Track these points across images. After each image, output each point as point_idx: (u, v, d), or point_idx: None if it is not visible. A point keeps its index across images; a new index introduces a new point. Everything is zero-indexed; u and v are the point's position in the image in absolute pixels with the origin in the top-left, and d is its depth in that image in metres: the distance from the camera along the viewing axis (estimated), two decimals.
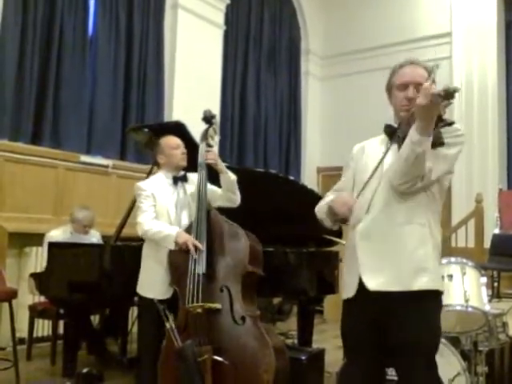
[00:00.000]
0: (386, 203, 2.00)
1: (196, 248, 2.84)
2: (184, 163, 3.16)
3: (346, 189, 2.19)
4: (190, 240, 2.85)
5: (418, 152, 1.85)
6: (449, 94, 1.77)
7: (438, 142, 1.92)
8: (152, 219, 2.99)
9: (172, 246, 2.89)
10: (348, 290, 2.07)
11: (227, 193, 3.10)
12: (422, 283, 1.94)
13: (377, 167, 2.01)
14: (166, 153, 3.14)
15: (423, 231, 1.99)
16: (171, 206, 3.07)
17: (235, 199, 3.13)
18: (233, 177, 3.07)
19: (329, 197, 2.21)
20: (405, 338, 1.93)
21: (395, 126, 2.09)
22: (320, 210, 2.19)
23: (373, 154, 2.11)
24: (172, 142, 3.16)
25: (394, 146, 2.03)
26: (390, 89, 2.13)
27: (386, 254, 1.97)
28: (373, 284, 1.96)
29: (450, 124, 1.99)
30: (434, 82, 1.98)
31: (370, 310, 1.99)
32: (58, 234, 4.41)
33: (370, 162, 2.10)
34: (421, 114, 1.84)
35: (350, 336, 2.10)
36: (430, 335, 1.98)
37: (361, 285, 2.00)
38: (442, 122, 1.97)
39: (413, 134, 1.87)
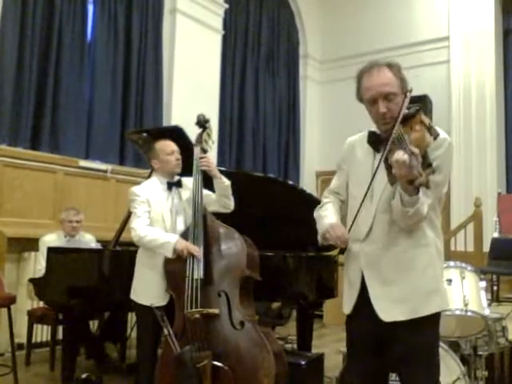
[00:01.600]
0: (387, 231, 1.95)
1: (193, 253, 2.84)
2: (178, 170, 3.13)
3: (342, 193, 2.17)
4: (189, 246, 2.84)
5: (412, 213, 1.81)
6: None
7: (425, 165, 1.76)
8: (147, 225, 2.95)
9: (170, 254, 2.84)
10: (346, 306, 2.08)
11: (221, 198, 3.08)
12: (433, 307, 1.94)
13: (369, 187, 1.94)
14: (160, 158, 3.10)
15: (429, 251, 1.96)
16: (166, 212, 3.03)
17: (229, 204, 3.11)
18: (227, 182, 3.05)
19: (329, 202, 2.18)
20: (406, 348, 1.93)
21: (378, 132, 2.01)
22: (317, 220, 2.15)
23: (362, 163, 2.05)
24: (167, 147, 3.12)
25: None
26: (360, 99, 2.02)
27: (396, 284, 1.94)
28: (387, 316, 1.93)
29: (435, 138, 1.84)
30: (410, 92, 1.88)
31: (370, 324, 1.97)
32: (52, 238, 4.41)
33: (361, 174, 2.04)
34: (401, 180, 1.77)
35: (354, 344, 2.10)
36: (430, 345, 1.98)
37: (358, 304, 2.00)
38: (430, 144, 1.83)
39: (402, 194, 1.80)
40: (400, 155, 1.71)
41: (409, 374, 1.97)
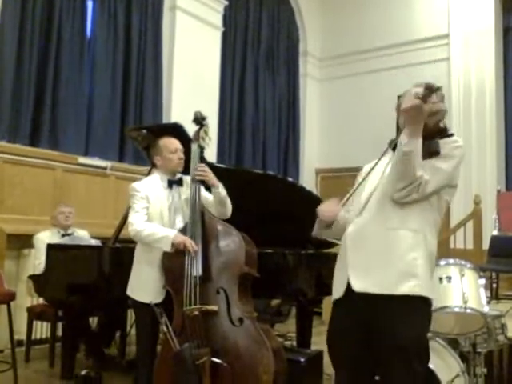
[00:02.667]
0: (380, 208, 2.01)
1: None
2: (180, 169, 3.11)
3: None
4: (187, 240, 2.84)
5: (404, 151, 1.88)
6: (429, 89, 1.81)
7: (433, 151, 1.93)
8: (144, 221, 2.95)
9: (168, 248, 2.84)
10: (337, 290, 2.08)
11: (217, 206, 3.06)
12: (407, 288, 1.93)
13: (372, 168, 2.03)
14: (163, 155, 3.09)
15: (416, 237, 1.98)
16: (165, 209, 3.02)
17: (224, 213, 3.09)
18: (223, 193, 3.03)
19: None
20: (387, 340, 1.94)
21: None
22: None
23: (377, 168, 2.13)
24: (171, 145, 3.10)
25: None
26: (397, 110, 2.14)
27: (375, 256, 1.98)
28: (358, 285, 1.97)
29: (450, 136, 2.00)
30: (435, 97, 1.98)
31: (358, 310, 1.99)
32: (46, 235, 4.41)
33: (374, 177, 2.11)
34: (407, 120, 1.88)
35: (338, 336, 2.09)
36: (412, 341, 1.95)
37: (349, 286, 2.01)
38: (442, 133, 1.99)
39: (402, 137, 1.90)
40: (406, 102, 1.88)
41: (384, 367, 1.99)
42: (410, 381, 1.95)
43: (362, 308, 1.97)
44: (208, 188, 3.09)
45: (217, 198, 3.04)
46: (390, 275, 1.94)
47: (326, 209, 2.09)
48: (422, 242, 1.99)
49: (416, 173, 1.89)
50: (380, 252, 1.97)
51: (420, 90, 1.82)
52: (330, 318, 2.14)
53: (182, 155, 3.11)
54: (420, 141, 1.88)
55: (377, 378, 2.18)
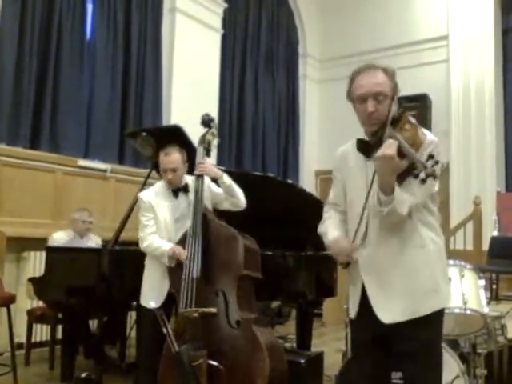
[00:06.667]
0: (380, 235, 1.96)
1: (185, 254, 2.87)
2: (170, 186, 3.11)
3: (340, 204, 2.16)
4: (177, 250, 2.88)
5: (386, 212, 1.83)
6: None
7: (413, 167, 1.80)
8: (152, 234, 3.02)
9: (167, 263, 2.93)
10: (351, 311, 2.09)
11: (228, 197, 3.09)
12: (432, 305, 1.94)
13: (367, 197, 1.93)
14: (160, 169, 3.15)
15: (424, 251, 1.95)
16: (171, 217, 3.06)
17: (238, 203, 3.11)
18: (228, 182, 3.05)
19: (329, 218, 2.18)
20: (409, 347, 1.93)
21: (367, 139, 2.01)
22: (322, 235, 2.16)
23: (356, 172, 2.05)
24: (162, 164, 3.10)
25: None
26: (351, 98, 2.05)
27: (393, 285, 1.94)
28: (386, 318, 1.94)
29: None
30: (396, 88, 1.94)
31: (374, 326, 1.97)
32: (61, 235, 4.44)
33: (356, 181, 2.04)
34: (379, 166, 1.80)
35: (358, 346, 2.12)
36: (432, 344, 1.97)
37: (361, 306, 2.01)
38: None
39: (379, 193, 1.83)
40: (384, 148, 1.76)
41: (412, 373, 1.97)
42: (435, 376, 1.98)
43: (378, 325, 1.96)
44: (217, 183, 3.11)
45: (224, 189, 3.06)
46: (413, 299, 1.93)
47: (340, 252, 2.00)
48: (433, 252, 1.96)
49: (403, 214, 1.84)
50: (396, 279, 1.94)
51: (390, 150, 1.74)
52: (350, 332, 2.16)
53: (171, 176, 3.08)
54: (397, 191, 1.81)
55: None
